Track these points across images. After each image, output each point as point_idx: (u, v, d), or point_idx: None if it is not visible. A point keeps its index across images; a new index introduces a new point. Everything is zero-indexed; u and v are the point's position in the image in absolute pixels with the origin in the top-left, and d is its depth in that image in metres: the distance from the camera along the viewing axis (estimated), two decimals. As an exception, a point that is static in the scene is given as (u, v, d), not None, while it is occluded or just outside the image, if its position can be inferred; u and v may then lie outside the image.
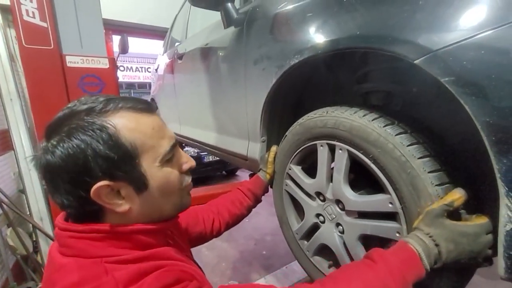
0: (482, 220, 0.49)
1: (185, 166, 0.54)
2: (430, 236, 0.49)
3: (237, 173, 5.65)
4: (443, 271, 0.53)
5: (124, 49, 1.71)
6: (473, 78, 0.43)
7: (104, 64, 1.35)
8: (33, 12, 1.16)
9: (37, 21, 1.17)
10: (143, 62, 13.33)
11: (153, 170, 0.46)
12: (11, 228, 2.15)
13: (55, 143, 0.41)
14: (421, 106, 0.70)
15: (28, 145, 2.14)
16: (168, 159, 0.49)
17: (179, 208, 0.55)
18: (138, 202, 0.46)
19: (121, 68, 13.46)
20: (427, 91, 0.64)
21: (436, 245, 0.49)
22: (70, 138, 0.41)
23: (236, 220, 0.92)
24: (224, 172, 5.44)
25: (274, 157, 0.98)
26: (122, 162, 0.43)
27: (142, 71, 13.45)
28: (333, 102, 0.79)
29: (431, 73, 0.47)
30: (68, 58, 1.24)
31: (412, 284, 0.47)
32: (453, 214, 0.51)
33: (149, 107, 0.49)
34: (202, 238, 0.83)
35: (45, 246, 2.19)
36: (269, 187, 1.02)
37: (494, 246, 0.48)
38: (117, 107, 0.44)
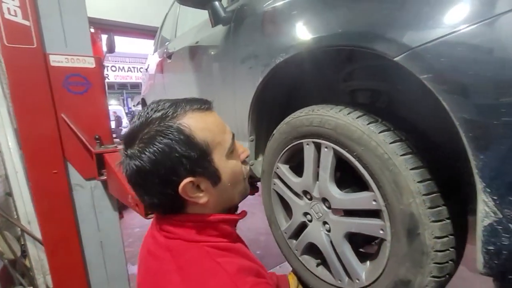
0: None
1: (243, 156, 0.59)
2: None
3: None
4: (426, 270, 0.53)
5: (111, 48, 1.69)
6: (451, 75, 0.43)
7: (90, 63, 1.32)
8: (15, 10, 1.13)
9: (19, 19, 1.14)
10: (135, 62, 13.19)
11: (222, 163, 0.52)
12: (-2, 232, 2.10)
13: (140, 149, 0.46)
14: (406, 104, 0.71)
15: (15, 147, 2.09)
16: (233, 152, 0.55)
17: (244, 195, 0.61)
18: (214, 194, 0.52)
19: (113, 68, 13.30)
20: (410, 89, 0.64)
21: None
22: (154, 143, 0.45)
23: None
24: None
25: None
26: (200, 159, 0.48)
27: (134, 71, 13.31)
28: (321, 101, 0.79)
29: (411, 70, 0.47)
30: (52, 57, 1.21)
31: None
32: None
33: (208, 106, 0.53)
34: None
35: (33, 249, 2.14)
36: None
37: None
38: (185, 110, 0.49)
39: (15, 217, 2.37)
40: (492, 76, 0.39)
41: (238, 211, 0.63)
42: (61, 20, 1.29)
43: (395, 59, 0.49)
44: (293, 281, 0.91)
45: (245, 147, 0.61)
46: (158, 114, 0.48)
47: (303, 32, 0.69)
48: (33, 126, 1.31)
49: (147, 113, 0.49)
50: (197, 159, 0.47)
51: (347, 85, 0.87)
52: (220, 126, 0.53)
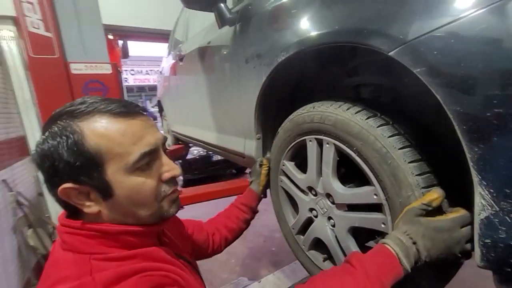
0: (456, 214, 0.49)
1: (166, 175, 0.50)
2: (407, 234, 0.49)
3: (246, 171, 5.68)
4: (423, 269, 0.53)
5: (125, 54, 1.77)
6: (443, 67, 0.42)
7: (106, 69, 1.41)
8: (38, 23, 1.22)
9: (42, 31, 1.24)
10: (152, 65, 13.57)
11: (119, 178, 0.45)
12: (31, 229, 2.27)
13: (40, 142, 0.44)
14: (408, 98, 0.70)
15: (44, 150, 2.24)
16: (142, 167, 0.46)
17: (158, 218, 0.51)
18: (105, 207, 0.46)
19: (132, 72, 13.80)
20: (409, 83, 0.63)
21: (414, 243, 0.49)
22: (47, 140, 0.43)
23: (235, 234, 0.92)
24: (233, 170, 5.48)
25: (268, 170, 0.98)
26: (84, 168, 0.43)
27: (151, 74, 13.72)
28: (326, 97, 0.79)
29: (405, 64, 0.47)
30: (72, 66, 1.31)
31: (392, 284, 0.48)
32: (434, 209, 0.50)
33: (128, 111, 0.47)
34: (204, 252, 0.84)
35: (63, 245, 2.29)
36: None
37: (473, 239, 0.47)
38: (93, 110, 0.44)
39: (47, 215, 2.55)
40: (483, 68, 0.39)
41: None
42: (79, 29, 1.37)
43: (390, 53, 0.49)
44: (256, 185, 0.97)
45: (176, 165, 0.52)
46: (70, 109, 0.45)
47: (301, 31, 0.70)
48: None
49: (71, 104, 0.46)
50: (79, 167, 0.42)
51: (352, 80, 0.86)
52: (131, 136, 0.45)
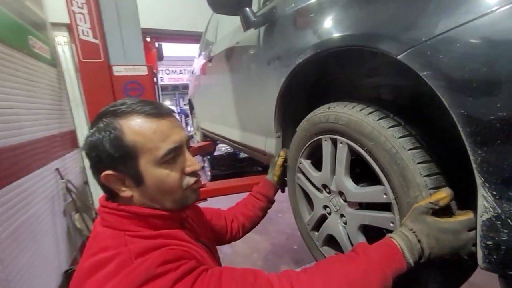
0: (464, 217, 0.49)
1: (188, 169, 0.57)
2: (413, 232, 0.51)
3: (271, 169, 5.71)
4: (429, 273, 0.54)
5: (159, 56, 1.92)
6: (448, 71, 0.43)
7: (143, 71, 1.55)
8: (87, 31, 1.40)
9: (90, 38, 1.41)
10: (186, 65, 14.16)
11: (149, 169, 0.52)
12: (78, 213, 2.56)
13: (89, 135, 0.53)
14: (420, 100, 0.69)
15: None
16: (168, 161, 0.54)
17: (180, 205, 0.59)
18: (137, 193, 0.54)
19: (167, 72, 14.53)
20: (419, 85, 0.63)
21: (419, 240, 0.50)
22: (95, 134, 0.52)
23: (252, 221, 0.98)
24: (259, 168, 5.56)
25: (284, 161, 1.03)
26: (122, 159, 0.51)
27: (185, 73, 14.32)
28: (346, 97, 0.80)
29: (412, 67, 0.48)
30: (114, 68, 1.47)
31: (394, 276, 0.49)
32: (443, 209, 0.51)
33: (159, 112, 0.54)
34: (223, 237, 0.90)
35: (103, 229, 2.55)
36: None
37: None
38: (131, 111, 0.53)
39: (91, 202, 2.85)
40: (486, 72, 0.39)
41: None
42: (121, 36, 1.53)
43: (398, 57, 0.50)
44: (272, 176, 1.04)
45: (197, 161, 0.60)
46: (113, 108, 0.53)
47: (317, 34, 0.73)
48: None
49: (114, 104, 0.55)
50: (118, 158, 0.51)
51: (371, 81, 0.87)
52: (160, 134, 0.53)
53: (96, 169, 0.53)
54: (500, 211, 0.41)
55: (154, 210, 0.55)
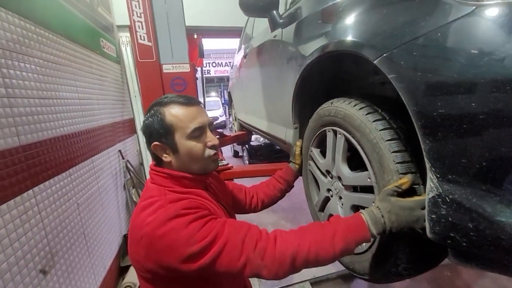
0: (420, 197, 0.58)
1: (209, 144, 0.75)
2: (379, 208, 0.62)
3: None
4: (398, 251, 0.64)
5: (201, 53, 2.16)
6: (406, 75, 0.53)
7: (186, 68, 1.80)
8: (143, 36, 1.68)
9: (145, 42, 1.70)
10: (231, 57, 14.62)
11: (182, 141, 0.72)
12: (135, 189, 3.03)
13: (145, 118, 0.75)
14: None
15: (145, 129, 2.95)
16: (195, 136, 0.72)
17: (204, 170, 0.77)
18: (174, 159, 0.73)
19: (213, 64, 15.22)
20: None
21: (382, 216, 0.61)
22: (148, 118, 0.73)
23: (270, 199, 1.12)
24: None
25: (301, 150, 1.15)
26: (164, 134, 0.71)
27: (229, 66, 14.80)
28: (358, 93, 0.89)
29: (383, 71, 0.58)
30: (164, 67, 1.74)
31: (357, 243, 0.62)
32: (409, 191, 0.61)
33: (189, 102, 0.74)
34: (242, 207, 1.07)
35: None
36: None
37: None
38: (170, 102, 0.73)
39: (145, 180, 3.32)
40: (431, 77, 0.48)
41: None
42: (169, 38, 1.79)
43: (374, 62, 0.60)
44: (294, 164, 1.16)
45: (216, 138, 0.78)
46: (159, 100, 0.74)
47: (319, 40, 0.84)
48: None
49: (165, 96, 0.75)
50: (162, 133, 0.71)
51: (378, 78, 0.94)
52: (189, 117, 0.72)
53: (149, 141, 0.74)
54: (441, 190, 0.50)
55: (185, 173, 0.74)
